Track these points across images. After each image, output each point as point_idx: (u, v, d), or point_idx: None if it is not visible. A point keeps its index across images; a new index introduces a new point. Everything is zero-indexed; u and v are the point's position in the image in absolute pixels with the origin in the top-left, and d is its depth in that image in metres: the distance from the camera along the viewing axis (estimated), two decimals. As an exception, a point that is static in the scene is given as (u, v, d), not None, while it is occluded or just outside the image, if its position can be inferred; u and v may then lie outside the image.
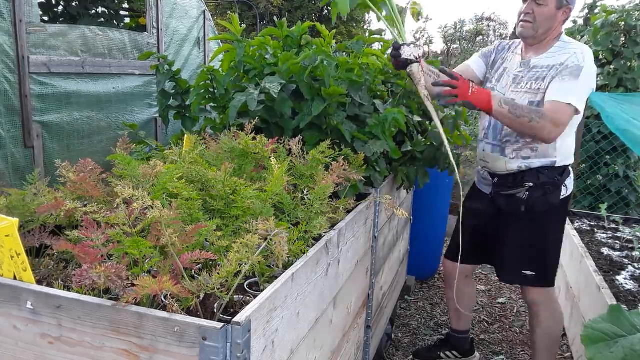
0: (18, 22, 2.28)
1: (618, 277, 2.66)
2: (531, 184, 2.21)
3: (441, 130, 2.03)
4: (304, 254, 1.33)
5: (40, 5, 3.40)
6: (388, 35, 2.37)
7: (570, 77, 2.08)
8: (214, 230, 1.29)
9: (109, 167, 1.57)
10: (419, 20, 2.31)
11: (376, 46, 2.91)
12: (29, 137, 2.39)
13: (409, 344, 3.03)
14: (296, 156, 1.78)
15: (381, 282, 2.47)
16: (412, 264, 3.61)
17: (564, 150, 2.24)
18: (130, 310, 0.98)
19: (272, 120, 2.09)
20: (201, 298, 1.14)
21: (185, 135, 1.92)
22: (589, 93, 2.17)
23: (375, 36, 2.70)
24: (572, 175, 2.31)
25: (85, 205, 1.32)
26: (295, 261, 1.30)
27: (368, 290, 2.20)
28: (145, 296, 1.05)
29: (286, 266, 1.27)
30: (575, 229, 3.44)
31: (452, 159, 2.05)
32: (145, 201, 1.13)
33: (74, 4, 3.72)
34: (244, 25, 2.32)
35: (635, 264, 2.84)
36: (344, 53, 2.55)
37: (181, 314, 0.99)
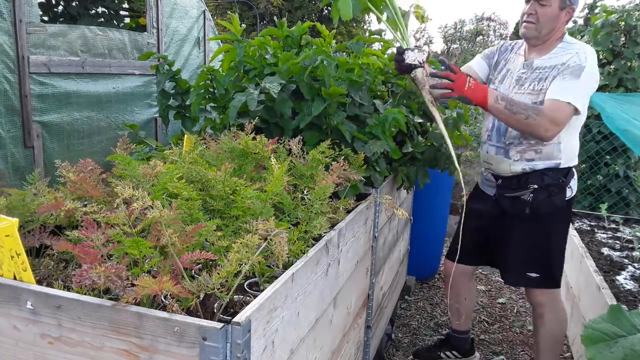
0: (18, 22, 2.28)
1: (618, 277, 2.66)
2: (535, 186, 2.19)
3: (446, 136, 2.02)
4: (304, 254, 1.33)
5: (40, 5, 3.39)
6: (388, 35, 2.37)
7: (571, 77, 2.06)
8: (214, 230, 1.29)
9: (109, 167, 1.57)
10: (424, 22, 2.31)
11: (376, 46, 2.91)
12: (29, 137, 2.39)
13: (409, 344, 3.03)
14: (296, 156, 1.78)
15: (381, 282, 2.47)
16: (412, 264, 3.61)
17: (568, 151, 2.23)
18: (130, 310, 0.98)
19: (272, 120, 2.09)
20: (201, 298, 1.14)
21: (185, 135, 1.92)
22: (590, 93, 2.15)
23: (375, 36, 2.70)
24: (576, 176, 2.30)
25: (85, 205, 1.32)
26: (295, 261, 1.30)
27: (368, 290, 2.20)
28: (145, 296, 1.05)
29: (286, 266, 1.27)
30: (576, 229, 3.44)
31: (457, 164, 2.04)
32: (145, 201, 1.13)
33: (74, 4, 3.72)
34: (244, 25, 2.32)
35: (636, 264, 2.84)
36: (344, 53, 2.55)
37: (181, 314, 0.99)
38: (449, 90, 2.01)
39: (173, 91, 2.46)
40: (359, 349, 2.17)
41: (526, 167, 2.23)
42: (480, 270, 4.13)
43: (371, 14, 2.10)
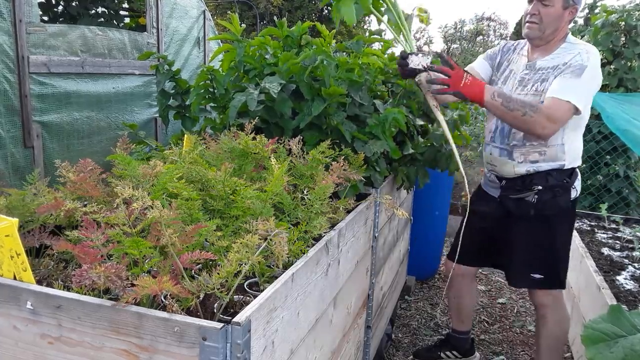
0: (18, 22, 2.28)
1: (618, 277, 2.66)
2: (540, 187, 2.18)
3: (451, 141, 2.02)
4: (304, 254, 1.33)
5: (40, 5, 3.40)
6: (388, 35, 2.36)
7: (572, 76, 2.05)
8: (214, 230, 1.29)
9: (108, 167, 1.57)
10: (428, 24, 2.30)
11: (376, 46, 2.91)
12: (29, 137, 2.39)
13: (409, 344, 3.03)
14: (296, 156, 1.78)
15: (381, 282, 2.47)
16: (412, 264, 3.61)
17: (572, 152, 2.21)
18: (130, 311, 0.98)
19: (272, 120, 2.08)
20: (201, 298, 1.13)
21: (185, 135, 1.92)
22: (592, 93, 2.13)
23: (375, 36, 2.70)
24: (579, 176, 2.28)
25: (85, 205, 1.32)
26: (295, 261, 1.30)
27: (368, 291, 2.20)
28: (145, 296, 1.05)
29: (286, 266, 1.27)
30: (576, 229, 3.43)
31: (463, 171, 2.03)
32: (145, 201, 1.13)
33: (73, 4, 3.72)
34: (244, 25, 2.32)
35: (636, 264, 2.84)
36: (344, 53, 2.55)
37: (181, 314, 0.99)
38: (445, 86, 2.00)
39: (173, 91, 2.45)
40: (359, 349, 2.17)
41: (530, 169, 2.21)
42: (480, 270, 4.13)
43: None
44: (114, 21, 3.91)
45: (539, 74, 2.18)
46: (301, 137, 1.85)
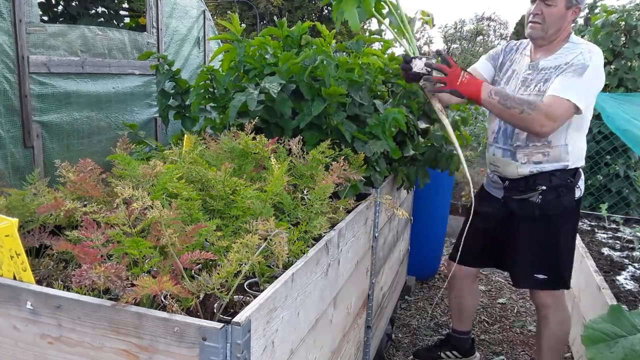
0: (18, 22, 2.28)
1: (618, 277, 2.66)
2: (544, 187, 2.16)
3: (457, 144, 2.01)
4: (304, 254, 1.33)
5: (40, 5, 3.39)
6: (388, 35, 2.36)
7: (573, 74, 2.03)
8: (214, 230, 1.29)
9: (108, 167, 1.57)
10: (432, 27, 2.30)
11: (376, 46, 2.91)
12: (29, 137, 2.39)
13: (409, 344, 3.03)
14: (296, 156, 1.78)
15: (381, 282, 2.47)
16: (412, 264, 3.61)
17: (575, 153, 2.20)
18: (130, 311, 0.98)
19: (272, 120, 2.08)
20: (201, 298, 1.13)
21: (185, 135, 1.92)
22: (594, 93, 2.11)
23: (375, 36, 2.70)
24: (583, 176, 2.27)
25: (85, 205, 1.32)
26: (295, 261, 1.30)
27: (368, 291, 2.20)
28: (144, 296, 1.05)
29: (286, 266, 1.26)
30: (576, 229, 3.44)
31: (468, 175, 2.02)
32: (145, 201, 1.13)
33: (73, 4, 3.72)
34: (244, 25, 2.31)
35: (636, 264, 2.84)
36: (344, 53, 2.55)
37: (181, 314, 0.99)
38: (442, 84, 1.99)
39: (173, 91, 2.45)
40: (359, 349, 2.17)
41: (534, 170, 2.20)
42: (480, 270, 4.13)
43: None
44: (114, 21, 3.90)
45: (542, 74, 2.16)
46: (301, 137, 1.85)
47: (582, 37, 4.67)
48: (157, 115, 3.01)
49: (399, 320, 3.29)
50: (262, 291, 1.11)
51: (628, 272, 2.74)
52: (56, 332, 1.04)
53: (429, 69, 1.98)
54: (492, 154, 2.35)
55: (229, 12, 12.12)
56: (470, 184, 2.06)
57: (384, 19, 2.04)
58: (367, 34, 2.67)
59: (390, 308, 2.88)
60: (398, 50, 2.96)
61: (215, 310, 1.16)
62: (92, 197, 1.44)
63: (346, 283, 1.76)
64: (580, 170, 2.25)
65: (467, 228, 2.16)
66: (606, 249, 3.10)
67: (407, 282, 3.63)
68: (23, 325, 1.07)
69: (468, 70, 2.41)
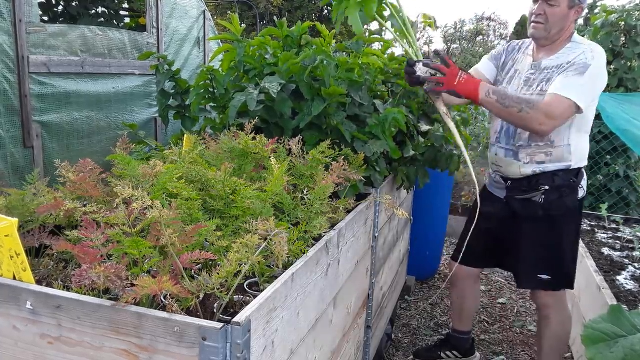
0: (18, 22, 2.28)
1: (618, 277, 2.66)
2: (547, 187, 2.16)
3: (463, 147, 2.00)
4: (304, 254, 1.33)
5: (40, 5, 3.39)
6: (388, 35, 2.36)
7: (575, 74, 2.03)
8: (214, 230, 1.29)
9: (108, 167, 1.57)
10: (436, 29, 2.30)
11: (376, 46, 2.91)
12: (29, 137, 2.39)
13: (409, 344, 3.03)
14: (296, 156, 1.78)
15: (381, 282, 2.47)
16: (412, 264, 3.61)
17: (578, 153, 2.20)
18: (130, 311, 0.98)
19: (272, 120, 2.08)
20: (201, 298, 1.13)
21: (185, 135, 1.92)
22: (596, 92, 2.10)
23: (375, 36, 2.70)
24: (585, 176, 2.26)
25: (84, 205, 1.32)
26: (295, 261, 1.30)
27: (368, 291, 2.20)
28: (144, 296, 1.05)
29: (286, 266, 1.26)
30: (576, 229, 3.43)
31: (474, 179, 2.01)
32: (145, 201, 1.13)
33: (74, 4, 3.72)
34: (244, 25, 2.31)
35: (636, 264, 2.84)
36: (344, 53, 2.55)
37: (181, 314, 0.99)
38: (440, 85, 1.99)
39: (173, 91, 2.45)
40: (359, 349, 2.17)
41: (536, 170, 2.20)
42: (482, 271, 4.13)
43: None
44: (114, 21, 3.91)
45: (544, 73, 2.16)
46: (301, 137, 1.85)
47: (582, 37, 4.68)
48: (157, 115, 3.01)
49: (399, 320, 3.29)
50: (262, 291, 1.11)
51: (628, 272, 2.74)
52: (56, 332, 1.04)
53: (432, 72, 1.98)
54: (494, 153, 2.35)
55: (229, 12, 12.13)
56: (476, 185, 2.06)
57: (385, 21, 2.03)
58: (367, 34, 2.67)
59: (390, 308, 2.88)
60: (398, 50, 2.96)
61: (215, 310, 1.16)
62: (92, 197, 1.44)
63: (346, 283, 1.76)
64: (583, 170, 2.24)
65: (471, 228, 2.15)
66: (606, 249, 3.10)
67: (407, 282, 3.63)
68: (23, 325, 1.07)
69: (470, 70, 2.41)
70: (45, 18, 3.58)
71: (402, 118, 2.06)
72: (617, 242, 3.25)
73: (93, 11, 3.85)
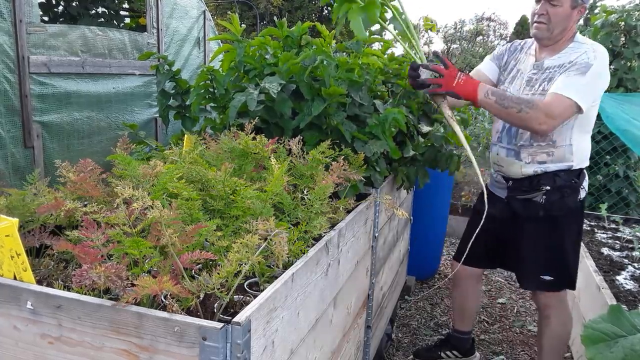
0: (18, 22, 2.28)
1: (618, 277, 2.66)
2: (548, 187, 2.16)
3: (468, 149, 2.00)
4: (304, 254, 1.33)
5: (40, 5, 3.40)
6: (388, 35, 2.36)
7: (576, 73, 2.02)
8: (214, 230, 1.29)
9: (109, 167, 1.57)
10: (438, 32, 2.29)
11: (376, 46, 2.91)
12: (29, 137, 2.39)
13: (409, 344, 3.03)
14: (296, 156, 1.78)
15: (381, 282, 2.47)
16: (412, 264, 3.61)
17: (580, 153, 2.20)
18: (130, 310, 0.98)
19: (272, 120, 2.09)
20: (201, 298, 1.14)
21: (185, 135, 1.92)
22: (597, 92, 2.10)
23: (375, 36, 2.70)
24: (587, 177, 2.26)
25: (85, 205, 1.32)
26: (295, 261, 1.30)
27: (368, 291, 2.20)
28: (145, 296, 1.05)
29: (286, 266, 1.27)
30: (576, 229, 3.43)
31: (481, 180, 2.01)
32: (145, 201, 1.13)
33: (74, 4, 3.72)
34: (244, 25, 2.32)
35: (635, 264, 2.84)
36: (344, 53, 2.55)
37: (181, 314, 0.99)
38: (438, 86, 1.99)
39: (173, 91, 2.45)
40: (359, 349, 2.17)
41: (538, 170, 2.19)
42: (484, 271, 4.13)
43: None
44: (114, 21, 3.91)
45: (546, 73, 2.15)
46: (301, 137, 1.85)
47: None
48: (157, 115, 3.01)
49: (399, 320, 3.29)
50: (262, 291, 1.11)
51: (628, 272, 2.74)
52: (56, 332, 1.04)
53: (435, 75, 1.98)
54: (495, 153, 2.35)
55: (229, 12, 12.13)
56: (484, 186, 2.05)
57: (387, 24, 2.03)
58: (367, 34, 2.67)
59: (390, 308, 2.88)
60: (398, 50, 2.96)
61: (215, 310, 1.17)
62: (93, 197, 1.44)
63: (346, 283, 1.77)
64: (585, 171, 2.24)
65: (470, 228, 2.15)
66: (606, 249, 3.10)
67: (407, 282, 3.63)
68: (23, 325, 1.07)
69: (473, 70, 2.41)
70: (46, 18, 3.59)
71: (402, 118, 2.07)
72: (617, 242, 3.25)
73: (93, 11, 3.86)
